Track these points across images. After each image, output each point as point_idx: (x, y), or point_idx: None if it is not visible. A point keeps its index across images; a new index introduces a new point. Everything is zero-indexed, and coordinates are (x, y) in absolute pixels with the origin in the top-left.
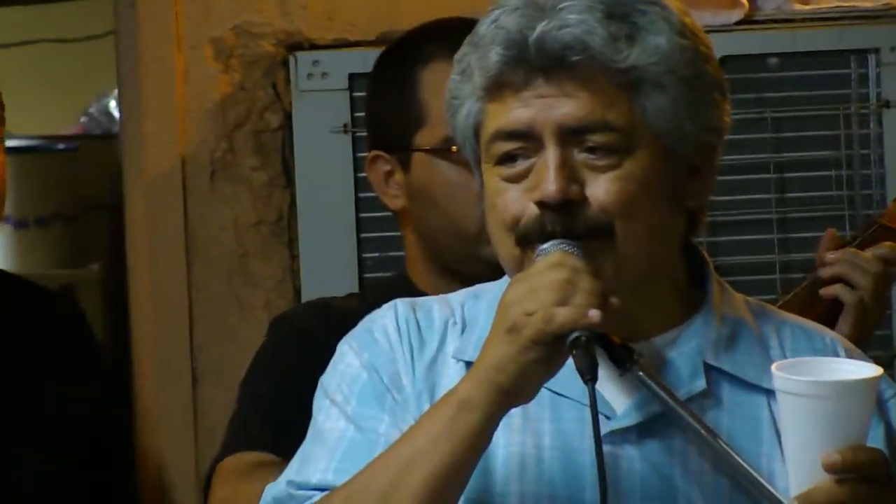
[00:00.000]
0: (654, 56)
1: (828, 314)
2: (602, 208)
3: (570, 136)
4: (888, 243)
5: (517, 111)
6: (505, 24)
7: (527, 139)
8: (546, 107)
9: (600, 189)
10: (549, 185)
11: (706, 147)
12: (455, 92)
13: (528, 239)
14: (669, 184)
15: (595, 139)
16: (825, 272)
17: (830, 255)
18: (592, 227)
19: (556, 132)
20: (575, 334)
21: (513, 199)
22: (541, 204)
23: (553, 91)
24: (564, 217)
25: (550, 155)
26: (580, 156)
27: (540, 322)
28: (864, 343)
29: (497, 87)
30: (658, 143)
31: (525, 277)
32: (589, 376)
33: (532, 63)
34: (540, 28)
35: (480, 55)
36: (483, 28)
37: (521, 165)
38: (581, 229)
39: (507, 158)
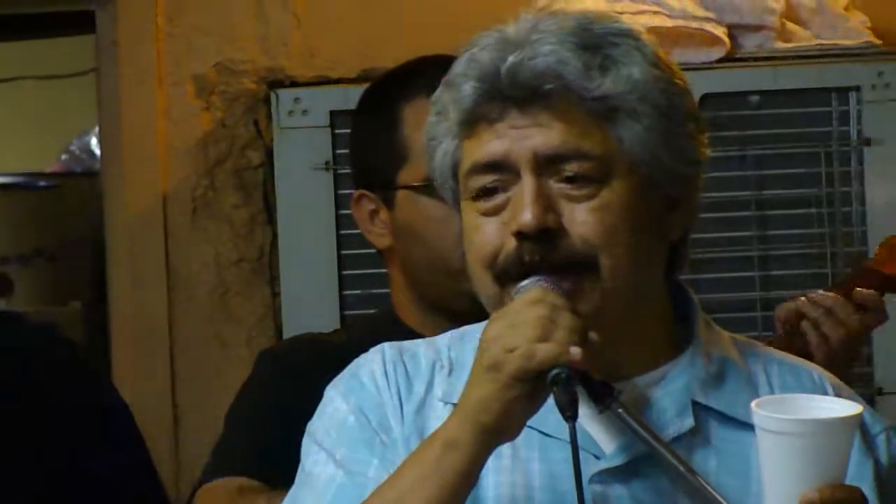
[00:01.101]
0: (628, 85)
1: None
2: (582, 239)
3: (545, 165)
4: (872, 291)
5: (492, 143)
6: (478, 58)
7: (503, 171)
8: (521, 137)
9: (578, 219)
10: (525, 213)
11: (684, 179)
12: (432, 133)
13: (506, 274)
14: (649, 215)
15: (571, 168)
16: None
17: (812, 295)
18: (573, 258)
19: (531, 162)
20: (555, 371)
21: (490, 234)
22: (518, 235)
23: (527, 122)
24: (542, 246)
25: (526, 184)
26: (556, 186)
27: (520, 359)
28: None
29: (472, 122)
30: (635, 172)
31: (504, 314)
32: (569, 413)
33: (505, 94)
34: (511, 59)
35: (454, 92)
36: (457, 66)
37: (498, 199)
38: (561, 259)
39: (484, 192)
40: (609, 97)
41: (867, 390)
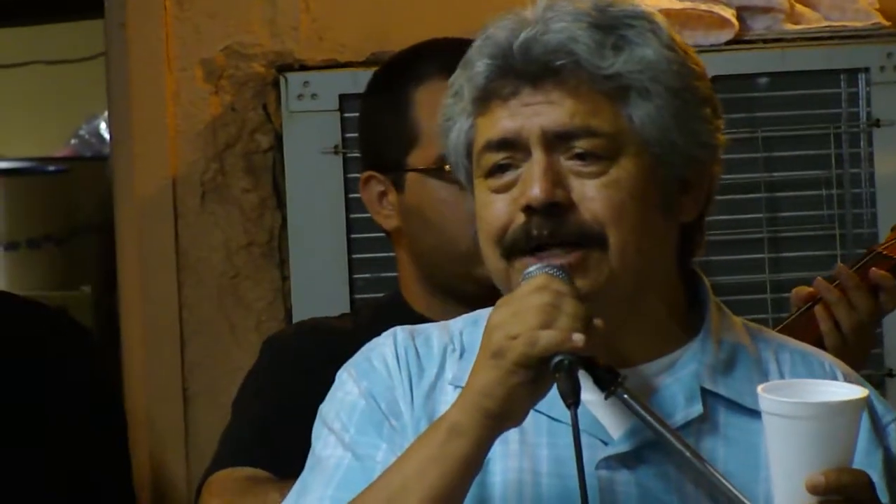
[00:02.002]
0: (640, 65)
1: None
2: (591, 214)
3: (555, 142)
4: (884, 272)
5: (504, 121)
6: (491, 35)
7: (515, 148)
8: (532, 114)
9: (588, 195)
10: (535, 187)
11: (697, 161)
12: (448, 113)
13: (514, 248)
14: (660, 194)
15: (580, 145)
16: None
17: (838, 270)
18: (583, 232)
19: (541, 138)
20: (558, 357)
21: (500, 210)
22: (527, 209)
23: (539, 99)
24: (551, 220)
25: (536, 160)
26: (566, 163)
27: (523, 345)
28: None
29: (485, 99)
30: (646, 151)
31: (509, 301)
32: (571, 400)
33: (518, 70)
34: (524, 35)
35: (469, 71)
36: (472, 48)
37: (508, 176)
38: (570, 234)
39: (496, 170)
40: (621, 75)
41: (878, 372)
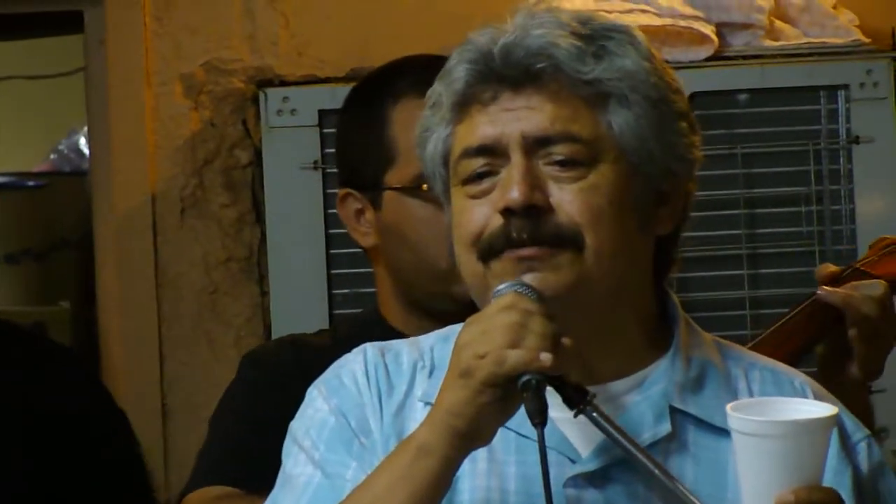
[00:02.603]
0: (620, 73)
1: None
2: (569, 217)
3: (534, 147)
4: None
5: (484, 126)
6: (472, 40)
7: (493, 154)
8: (512, 119)
9: (566, 199)
10: (514, 190)
11: (673, 175)
12: (425, 124)
13: (490, 250)
14: (636, 204)
15: (559, 150)
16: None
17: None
18: (560, 234)
19: (520, 143)
20: (526, 377)
21: (477, 214)
22: (506, 211)
23: (519, 104)
24: (529, 222)
25: (515, 163)
26: (545, 168)
27: (491, 365)
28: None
29: (465, 104)
30: (624, 159)
31: (478, 319)
32: (538, 420)
33: (498, 74)
34: (504, 39)
35: (448, 79)
36: (453, 55)
37: (486, 183)
38: (548, 235)
39: (475, 177)
40: (601, 81)
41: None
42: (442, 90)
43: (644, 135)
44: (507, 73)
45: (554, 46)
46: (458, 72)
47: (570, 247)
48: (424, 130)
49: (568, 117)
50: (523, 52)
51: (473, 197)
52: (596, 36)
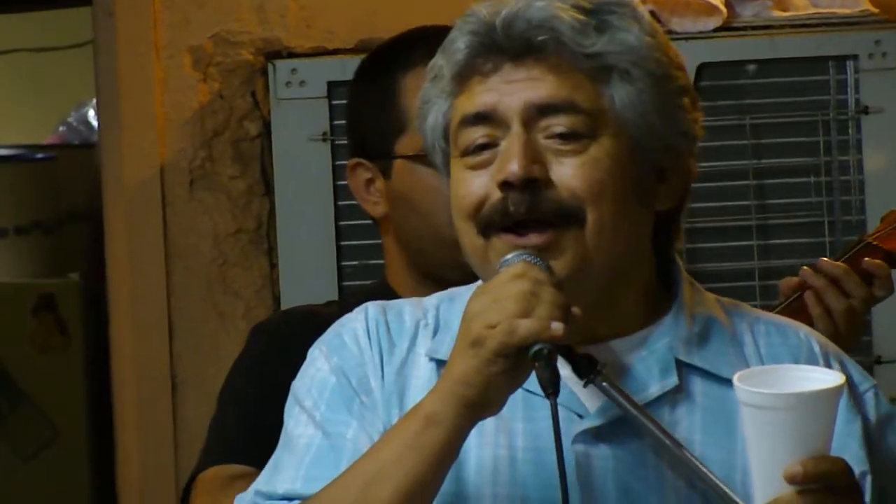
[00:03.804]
0: (622, 47)
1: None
2: (569, 191)
3: (535, 118)
4: (879, 262)
5: (483, 95)
6: (473, 12)
7: (492, 123)
8: (513, 90)
9: (566, 173)
10: (512, 163)
11: (674, 150)
12: (426, 96)
13: (491, 224)
14: (636, 179)
15: (560, 122)
16: (807, 279)
17: (820, 264)
18: (560, 210)
19: (521, 112)
20: (537, 346)
21: (476, 185)
22: (504, 185)
23: (520, 76)
24: (528, 197)
25: (514, 135)
26: (545, 141)
27: (502, 334)
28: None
29: (465, 76)
30: (624, 133)
31: (488, 289)
32: (551, 389)
33: (500, 46)
34: (506, 11)
35: (449, 51)
36: (455, 27)
37: (485, 154)
38: (547, 211)
39: (474, 149)
40: (603, 55)
41: (867, 359)
42: (443, 62)
43: (646, 109)
44: (508, 45)
45: (556, 19)
46: (459, 43)
47: (571, 224)
48: (425, 103)
49: (570, 87)
50: (525, 25)
51: (472, 168)
52: (598, 10)
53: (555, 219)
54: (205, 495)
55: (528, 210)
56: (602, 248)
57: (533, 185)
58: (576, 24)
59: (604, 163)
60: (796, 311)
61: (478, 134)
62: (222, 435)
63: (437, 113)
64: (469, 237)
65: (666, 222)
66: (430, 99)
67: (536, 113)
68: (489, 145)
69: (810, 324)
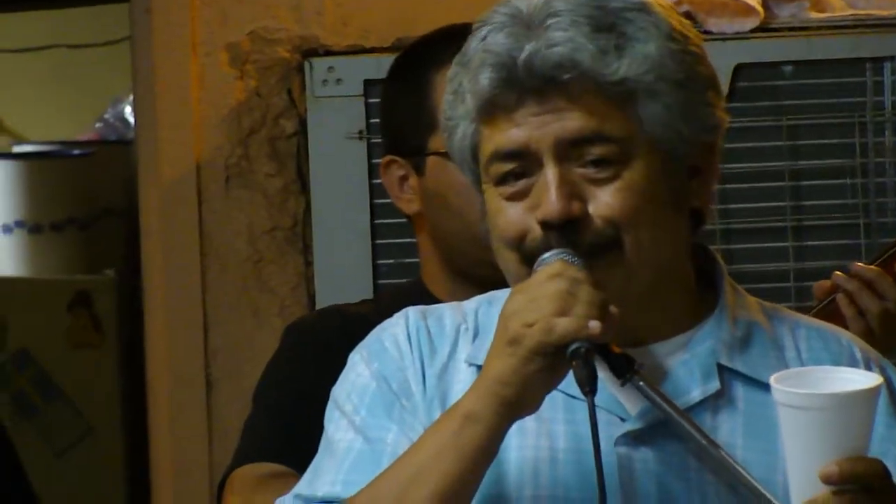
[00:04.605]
0: (645, 65)
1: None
2: (606, 221)
3: (567, 150)
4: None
5: (512, 132)
6: (493, 47)
7: (524, 158)
8: (540, 124)
9: (602, 202)
10: (551, 204)
11: (704, 146)
12: (449, 112)
13: (534, 257)
14: (671, 188)
15: (593, 151)
16: (839, 282)
17: (853, 268)
18: (599, 242)
19: (552, 149)
20: (575, 345)
21: (515, 216)
22: (544, 224)
23: (546, 109)
24: (569, 234)
25: (549, 173)
26: (579, 171)
27: (540, 333)
28: None
29: (489, 110)
30: (656, 150)
31: (525, 288)
32: (588, 388)
33: (523, 84)
34: (528, 49)
35: (471, 78)
36: (472, 47)
37: (520, 185)
38: (587, 246)
39: (507, 179)
40: (627, 80)
41: None
42: (465, 83)
43: (674, 120)
44: (530, 83)
45: (578, 53)
46: (481, 79)
47: (609, 252)
48: (448, 118)
49: (598, 118)
50: (548, 65)
51: (508, 199)
52: (616, 22)
53: (594, 249)
54: (238, 493)
55: (570, 245)
56: (643, 266)
57: (572, 223)
58: (596, 52)
59: (638, 186)
60: (831, 313)
61: (510, 167)
62: (256, 434)
63: (464, 135)
64: (513, 265)
65: (695, 214)
66: (453, 117)
67: (568, 147)
68: (522, 174)
69: (845, 327)
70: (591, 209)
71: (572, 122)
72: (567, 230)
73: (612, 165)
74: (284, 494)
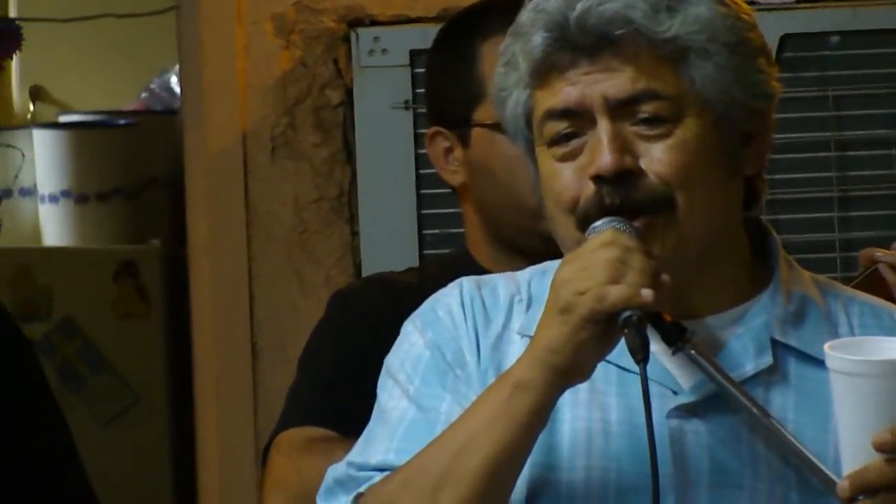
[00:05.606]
0: (696, 25)
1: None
2: (660, 177)
3: (619, 108)
4: None
5: (565, 90)
6: (545, 8)
7: (578, 117)
8: (593, 82)
9: (655, 158)
10: (604, 157)
11: (757, 113)
12: (501, 83)
13: (588, 218)
14: (724, 151)
15: (645, 109)
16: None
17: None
18: (653, 197)
19: (605, 106)
20: (627, 313)
21: (569, 180)
22: (597, 178)
23: (599, 68)
24: (622, 188)
25: (602, 128)
26: (632, 128)
27: (592, 301)
28: None
29: (543, 72)
30: (708, 111)
31: (577, 256)
32: (640, 356)
33: (576, 43)
34: (580, 6)
35: (524, 42)
36: (524, 16)
37: (573, 144)
38: (640, 200)
39: (561, 139)
40: (678, 38)
41: None
42: (517, 51)
43: (726, 82)
44: (583, 41)
45: (630, 9)
46: (534, 40)
47: (663, 210)
48: (501, 90)
49: (649, 76)
50: (599, 20)
51: (561, 159)
52: None
53: (648, 206)
54: (284, 455)
55: (623, 200)
56: (696, 227)
57: (625, 175)
58: (648, 10)
59: (691, 144)
60: (874, 281)
61: (563, 126)
62: (301, 399)
63: (517, 102)
64: (568, 230)
65: (749, 186)
66: (506, 87)
67: (620, 104)
68: (575, 134)
69: (888, 296)
70: (644, 164)
71: (625, 79)
72: (620, 184)
73: (665, 123)
74: (329, 456)
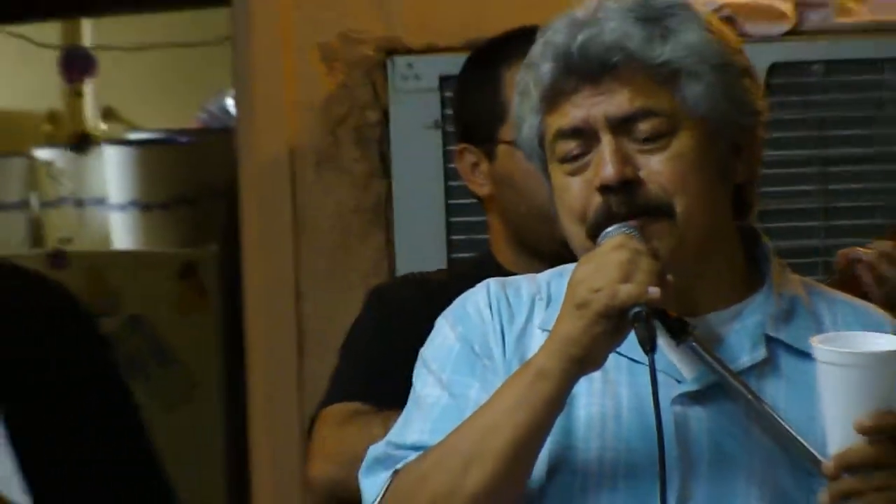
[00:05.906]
0: (686, 49)
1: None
2: (659, 186)
3: (620, 125)
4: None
5: (572, 112)
6: (552, 40)
7: (584, 135)
8: (596, 104)
9: (654, 169)
10: (607, 168)
11: (745, 127)
12: (518, 113)
13: (597, 227)
14: (715, 161)
15: (642, 126)
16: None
17: (871, 243)
18: (653, 204)
19: (607, 123)
20: (636, 309)
21: (578, 192)
22: (602, 189)
23: (600, 91)
24: (625, 196)
25: (605, 143)
26: (632, 144)
27: (606, 297)
28: None
29: (552, 97)
30: (700, 125)
31: (592, 258)
32: (649, 347)
33: (579, 70)
34: (581, 37)
35: (535, 72)
36: (535, 49)
37: (581, 161)
38: (642, 206)
39: (570, 158)
40: (671, 62)
41: None
42: (529, 81)
43: (715, 99)
44: (586, 67)
45: (626, 38)
46: (543, 70)
47: (663, 216)
48: (518, 117)
49: (645, 96)
50: (599, 48)
51: (571, 174)
52: (660, 16)
53: (649, 211)
54: (328, 426)
55: (628, 207)
56: (694, 230)
57: (627, 185)
58: (643, 38)
59: (686, 155)
60: (850, 280)
61: (572, 145)
62: (342, 379)
63: (531, 128)
64: (579, 239)
65: (742, 193)
66: (521, 115)
67: (620, 122)
68: (583, 154)
69: (864, 295)
70: (644, 175)
71: (623, 99)
72: (624, 192)
73: (661, 138)
74: (367, 427)
